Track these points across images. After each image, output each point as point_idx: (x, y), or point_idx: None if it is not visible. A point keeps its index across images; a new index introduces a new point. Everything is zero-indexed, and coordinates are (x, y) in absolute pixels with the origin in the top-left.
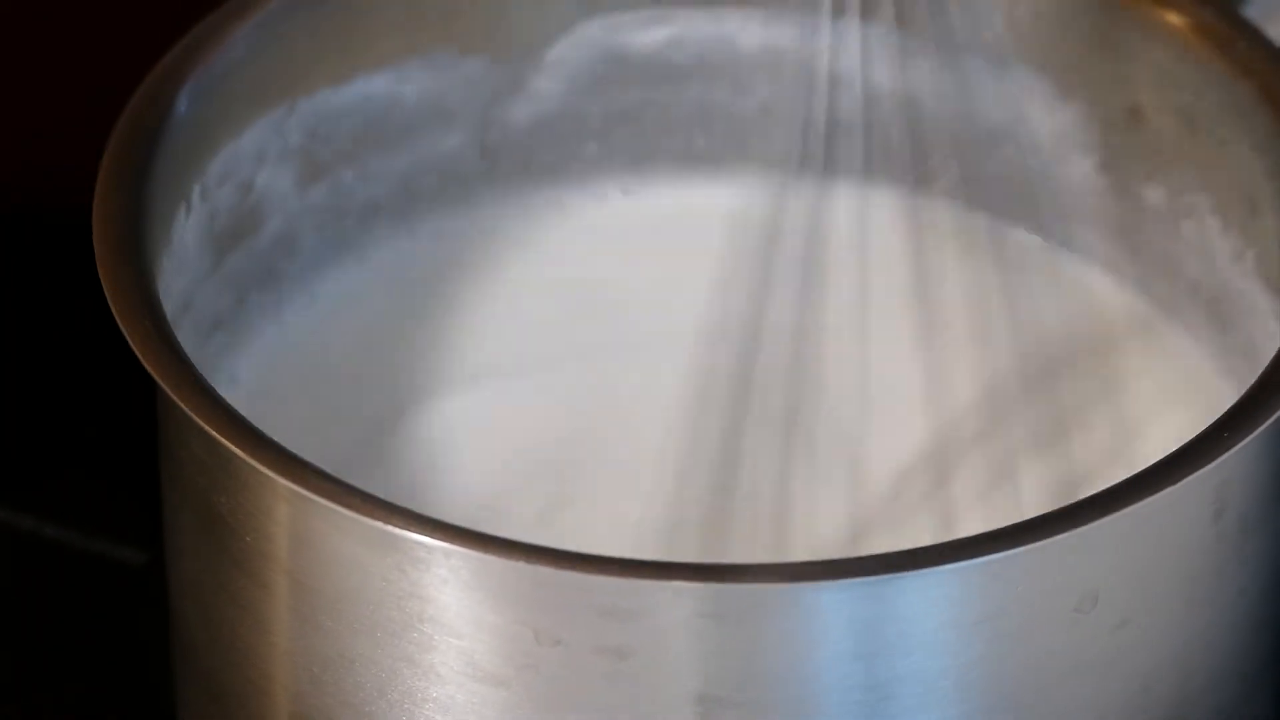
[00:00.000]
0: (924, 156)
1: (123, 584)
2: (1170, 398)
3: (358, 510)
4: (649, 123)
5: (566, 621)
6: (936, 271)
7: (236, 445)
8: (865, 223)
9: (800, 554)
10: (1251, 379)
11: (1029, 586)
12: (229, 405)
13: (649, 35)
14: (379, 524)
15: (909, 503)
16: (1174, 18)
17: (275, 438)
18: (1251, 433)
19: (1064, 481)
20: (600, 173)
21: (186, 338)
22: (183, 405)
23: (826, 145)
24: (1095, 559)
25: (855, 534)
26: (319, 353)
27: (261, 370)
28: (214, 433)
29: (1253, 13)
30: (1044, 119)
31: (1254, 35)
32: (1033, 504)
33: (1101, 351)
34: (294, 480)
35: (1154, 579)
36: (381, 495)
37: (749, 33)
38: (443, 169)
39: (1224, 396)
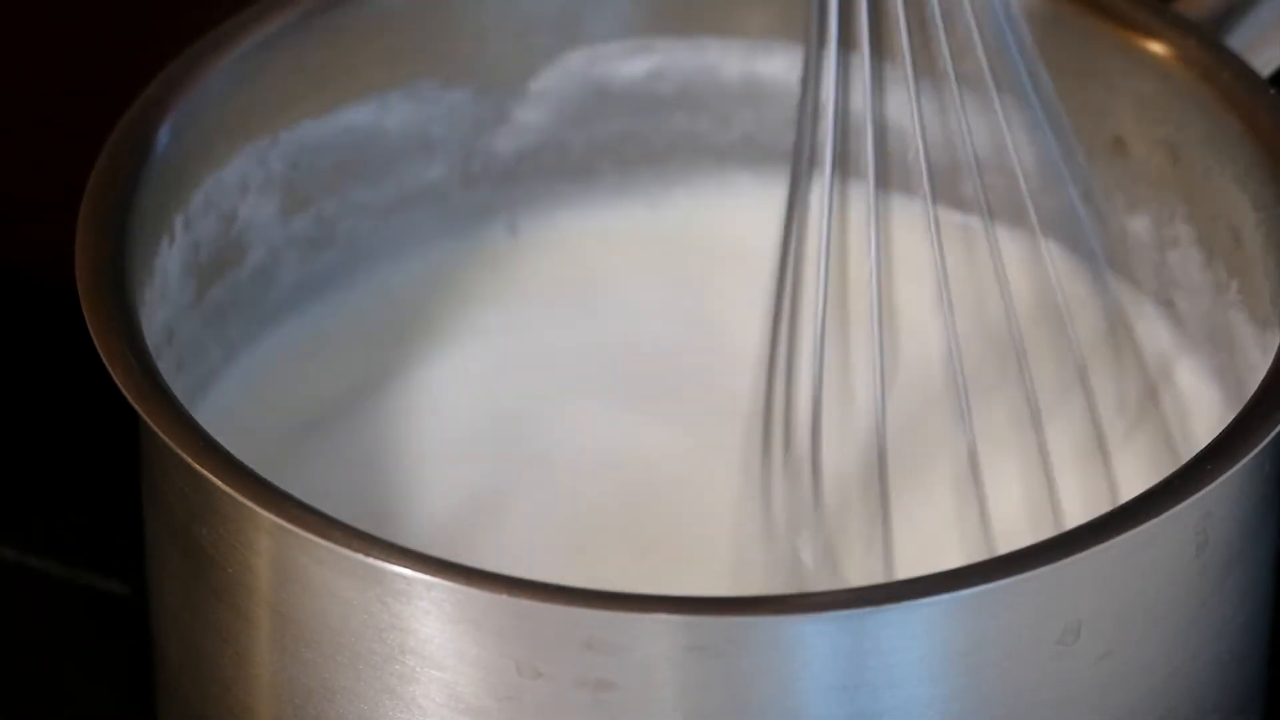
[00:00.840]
0: (905, 184)
1: (105, 615)
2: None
3: (339, 542)
4: (632, 153)
5: (548, 654)
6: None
7: (218, 477)
8: (842, 244)
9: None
10: (1236, 409)
11: (1012, 619)
12: (211, 437)
13: (631, 66)
14: (361, 556)
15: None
16: (1157, 48)
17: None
18: (1234, 465)
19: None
20: (584, 201)
21: (169, 369)
22: (164, 437)
23: (808, 170)
24: (1078, 591)
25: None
26: (299, 380)
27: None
28: (195, 464)
29: (1236, 44)
30: (1027, 148)
31: (1237, 66)
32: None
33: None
34: (275, 512)
35: (1137, 611)
36: (358, 523)
37: (731, 64)
38: (426, 199)
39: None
